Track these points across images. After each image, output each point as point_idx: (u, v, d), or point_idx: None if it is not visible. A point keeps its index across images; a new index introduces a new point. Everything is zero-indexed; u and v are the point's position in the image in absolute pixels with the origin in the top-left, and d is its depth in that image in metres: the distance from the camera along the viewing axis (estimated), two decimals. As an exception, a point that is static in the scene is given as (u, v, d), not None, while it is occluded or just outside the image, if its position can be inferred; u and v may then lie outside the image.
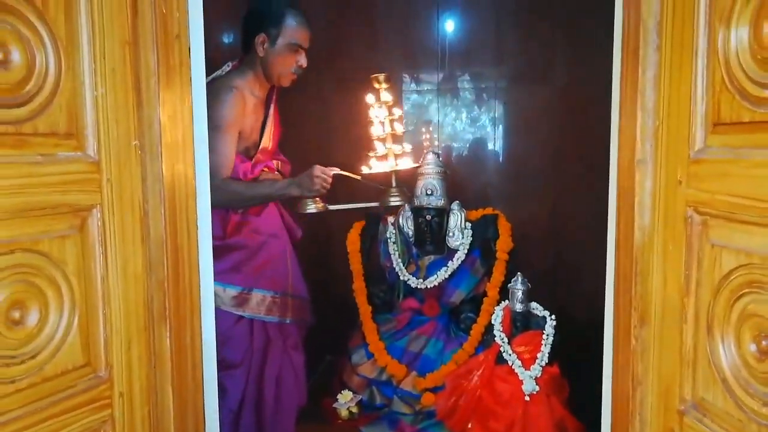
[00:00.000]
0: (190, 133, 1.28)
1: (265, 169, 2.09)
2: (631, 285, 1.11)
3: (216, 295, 1.84)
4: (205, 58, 1.29)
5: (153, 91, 1.18)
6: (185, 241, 1.27)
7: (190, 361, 1.31)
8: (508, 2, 2.85)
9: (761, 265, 0.81)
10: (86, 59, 1.04)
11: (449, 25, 2.98)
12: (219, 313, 1.87)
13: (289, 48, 1.99)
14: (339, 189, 2.16)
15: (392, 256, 2.38)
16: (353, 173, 2.18)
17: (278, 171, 2.16)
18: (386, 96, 2.24)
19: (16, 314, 0.94)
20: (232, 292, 1.94)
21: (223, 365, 1.92)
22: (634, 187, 1.08)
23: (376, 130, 2.25)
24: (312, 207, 2.02)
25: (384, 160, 2.25)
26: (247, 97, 2.00)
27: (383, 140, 2.27)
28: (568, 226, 2.65)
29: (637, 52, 1.07)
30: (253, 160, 2.06)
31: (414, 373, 2.24)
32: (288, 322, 2.06)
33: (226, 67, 2.08)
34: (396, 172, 2.21)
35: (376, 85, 2.24)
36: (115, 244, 1.10)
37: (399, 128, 2.27)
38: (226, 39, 2.58)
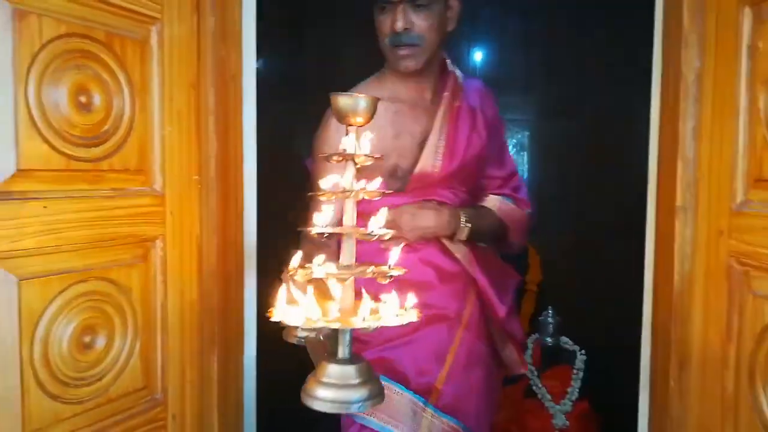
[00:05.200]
0: (240, 170, 1.34)
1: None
2: (670, 329, 1.13)
3: None
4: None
5: (211, 130, 1.25)
6: (233, 271, 1.33)
7: (234, 385, 1.36)
8: (538, 38, 2.92)
9: (803, 318, 0.83)
10: (156, 101, 1.12)
11: (478, 57, 3.07)
12: None
13: (377, 6, 1.38)
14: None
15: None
16: None
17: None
18: None
19: (87, 338, 1.00)
20: None
21: None
22: (674, 234, 1.10)
23: None
24: None
25: None
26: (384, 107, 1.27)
27: None
28: (600, 260, 2.66)
29: (677, 103, 1.11)
30: (406, 189, 1.42)
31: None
32: None
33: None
34: None
35: None
36: (174, 273, 1.17)
37: None
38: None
